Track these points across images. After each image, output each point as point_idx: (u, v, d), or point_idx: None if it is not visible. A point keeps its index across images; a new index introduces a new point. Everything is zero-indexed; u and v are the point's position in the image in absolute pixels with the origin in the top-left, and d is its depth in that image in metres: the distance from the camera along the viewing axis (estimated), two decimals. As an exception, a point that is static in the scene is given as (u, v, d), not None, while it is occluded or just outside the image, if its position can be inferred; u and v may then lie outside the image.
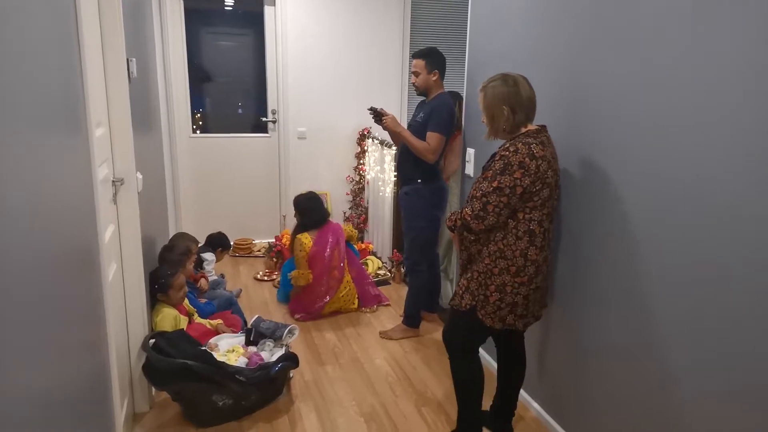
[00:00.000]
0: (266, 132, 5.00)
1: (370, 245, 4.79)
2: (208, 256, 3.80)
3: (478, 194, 2.03)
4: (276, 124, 4.96)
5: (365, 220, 5.12)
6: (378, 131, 4.79)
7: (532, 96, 2.08)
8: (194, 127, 4.83)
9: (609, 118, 2.05)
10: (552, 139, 2.15)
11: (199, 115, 4.88)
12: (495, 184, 1.98)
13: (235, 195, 4.98)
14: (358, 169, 5.13)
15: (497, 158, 2.02)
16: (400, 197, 3.29)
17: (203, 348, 2.56)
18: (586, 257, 2.23)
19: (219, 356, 2.55)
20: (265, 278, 4.30)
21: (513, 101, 2.04)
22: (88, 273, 1.61)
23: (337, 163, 5.13)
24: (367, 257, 4.48)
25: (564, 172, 2.29)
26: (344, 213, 5.19)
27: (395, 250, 4.26)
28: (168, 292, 2.84)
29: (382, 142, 4.52)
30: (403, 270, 4.29)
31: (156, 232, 3.34)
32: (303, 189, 5.03)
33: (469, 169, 3.13)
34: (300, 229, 3.71)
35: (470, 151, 3.12)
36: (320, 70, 4.91)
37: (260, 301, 3.89)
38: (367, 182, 5.02)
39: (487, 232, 2.09)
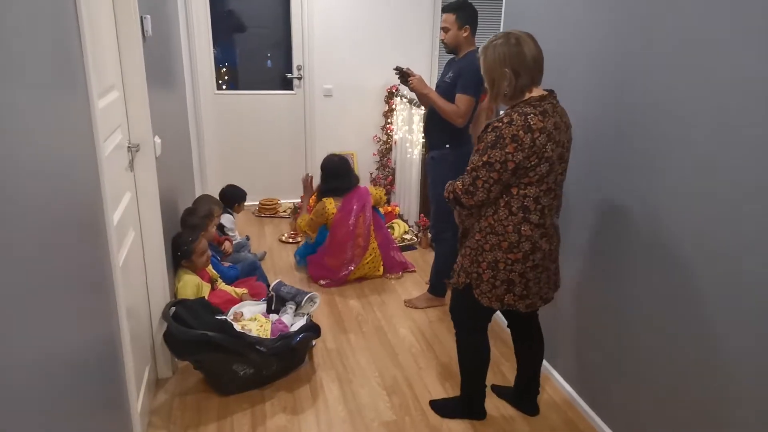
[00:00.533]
0: (291, 89, 4.85)
1: (397, 208, 4.69)
2: (227, 220, 3.74)
3: (468, 168, 1.90)
4: (301, 80, 4.80)
5: (392, 182, 4.99)
6: (407, 90, 4.60)
7: (539, 56, 1.87)
8: (219, 81, 4.71)
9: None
10: (565, 107, 1.96)
11: (224, 70, 4.75)
12: (485, 158, 1.83)
13: (261, 154, 4.89)
14: (386, 129, 4.97)
15: (489, 130, 1.86)
16: (427, 162, 3.14)
17: (224, 317, 2.53)
18: (613, 224, 2.08)
19: (241, 325, 2.52)
20: (290, 240, 4.25)
21: (515, 62, 1.84)
22: (93, 243, 1.54)
23: (364, 122, 4.98)
24: (393, 221, 4.38)
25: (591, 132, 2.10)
26: (371, 174, 5.06)
27: (422, 215, 4.14)
28: (191, 258, 2.81)
29: (410, 101, 4.33)
30: (429, 235, 4.18)
31: (179, 196, 3.29)
32: (329, 149, 4.93)
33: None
34: (326, 192, 3.61)
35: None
36: (348, 24, 4.69)
37: (284, 264, 3.86)
38: (395, 143, 4.87)
39: (478, 207, 1.97)
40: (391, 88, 4.84)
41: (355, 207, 3.55)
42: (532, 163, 1.81)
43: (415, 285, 3.59)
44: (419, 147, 4.18)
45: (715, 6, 1.63)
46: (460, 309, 2.21)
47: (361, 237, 3.55)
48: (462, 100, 2.87)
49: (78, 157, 1.45)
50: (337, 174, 3.61)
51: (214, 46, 4.58)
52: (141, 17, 2.35)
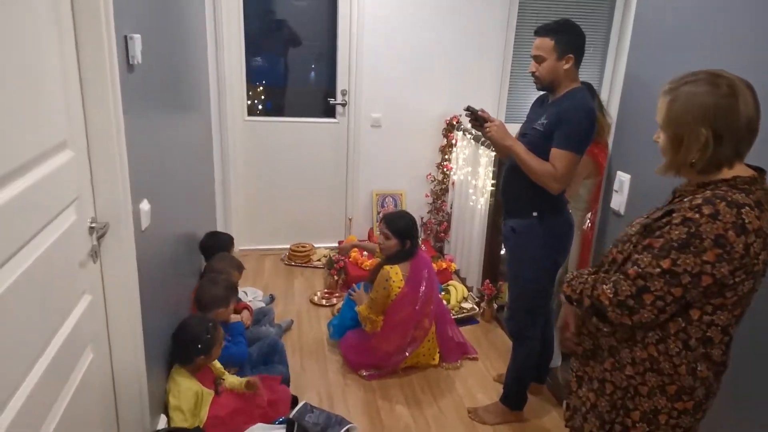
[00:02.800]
0: (334, 117, 4.14)
1: (453, 265, 3.89)
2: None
3: (632, 271, 1.22)
4: (346, 107, 4.09)
5: (446, 229, 4.20)
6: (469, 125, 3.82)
7: (755, 118, 1.20)
8: (250, 103, 4.04)
9: None
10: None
11: (258, 91, 4.08)
12: (666, 265, 1.21)
13: (294, 191, 4.19)
14: (442, 167, 4.19)
15: (677, 220, 1.21)
16: (506, 233, 2.35)
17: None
18: None
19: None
20: (323, 302, 3.51)
21: (722, 122, 1.20)
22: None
23: (417, 157, 4.21)
24: (449, 282, 3.59)
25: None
26: (421, 218, 4.29)
27: (488, 281, 3.33)
28: (211, 352, 2.12)
29: (476, 138, 3.55)
30: (495, 306, 3.37)
31: (185, 264, 2.61)
32: (374, 186, 4.21)
33: (618, 203, 2.14)
34: (393, 259, 2.82)
35: (623, 177, 2.12)
36: (402, 44, 3.94)
37: (314, 338, 3.11)
38: (453, 183, 4.08)
39: (632, 327, 1.27)
40: (451, 119, 4.07)
41: (425, 278, 2.77)
42: (737, 279, 1.19)
43: (478, 381, 2.78)
44: (487, 195, 3.39)
45: None
46: None
47: (427, 318, 2.77)
48: (561, 158, 2.07)
49: None
50: (411, 234, 2.82)
51: (247, 62, 3.92)
52: (126, 37, 1.67)
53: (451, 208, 4.14)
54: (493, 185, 3.31)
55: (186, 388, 2.07)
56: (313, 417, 1.95)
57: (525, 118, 2.37)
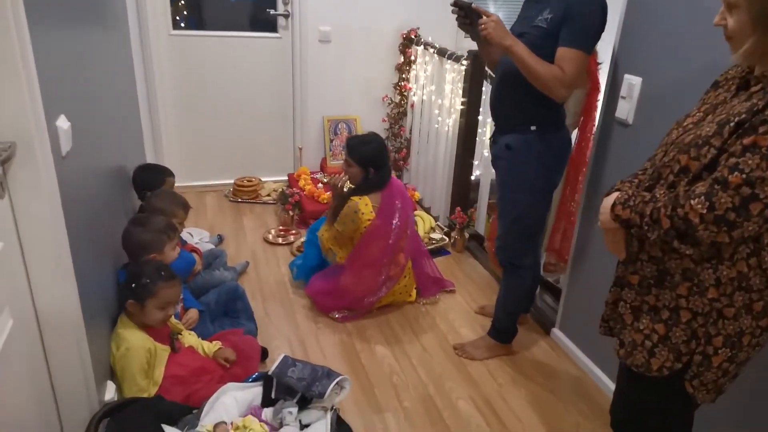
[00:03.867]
0: (276, 31, 3.63)
1: (416, 194, 3.63)
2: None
3: (734, 178, 1.00)
4: (289, 19, 3.58)
5: (406, 156, 3.90)
6: (440, 32, 3.46)
7: None
8: (177, 17, 3.45)
9: None
10: None
11: (182, 2, 3.48)
12: None
13: (235, 119, 3.70)
14: (400, 87, 3.83)
15: None
16: (497, 152, 2.08)
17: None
18: None
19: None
20: (280, 240, 3.17)
21: None
22: None
23: (372, 77, 3.81)
24: (414, 212, 3.34)
25: None
26: (378, 145, 3.94)
27: (458, 209, 3.10)
28: (145, 303, 1.74)
29: (440, 52, 3.20)
30: (466, 235, 3.16)
31: (118, 201, 2.17)
32: (324, 111, 3.79)
33: (626, 111, 1.90)
34: (363, 189, 2.49)
35: (633, 81, 1.88)
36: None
37: (275, 282, 2.78)
38: (412, 105, 3.75)
39: (721, 244, 1.09)
40: (409, 32, 3.67)
41: (398, 209, 2.47)
42: None
43: (460, 315, 2.59)
44: (456, 115, 3.09)
45: None
46: (644, 414, 1.30)
47: (402, 252, 2.50)
48: (570, 58, 1.80)
49: None
50: (379, 162, 2.48)
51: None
52: None
53: (410, 133, 3.83)
54: (462, 103, 3.01)
55: (135, 344, 1.71)
56: (296, 371, 1.66)
57: (516, 19, 2.05)
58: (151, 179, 2.64)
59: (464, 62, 2.93)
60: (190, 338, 2.00)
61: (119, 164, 2.37)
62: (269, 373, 1.64)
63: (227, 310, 2.32)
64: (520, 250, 2.12)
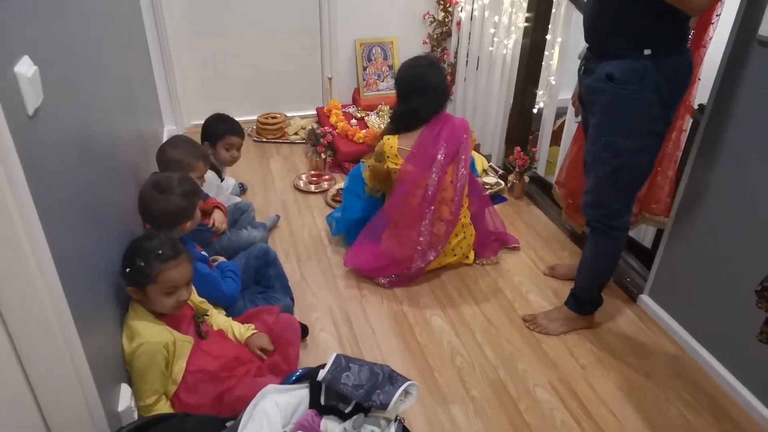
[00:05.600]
0: (297, -63, 3.07)
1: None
2: (208, 180, 2.20)
3: None
4: None
5: (450, 84, 3.41)
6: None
7: None
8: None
9: None
10: None
11: None
12: None
13: (255, 46, 3.22)
14: (444, 2, 3.27)
15: None
16: (594, 84, 1.61)
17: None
18: None
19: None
20: (312, 187, 2.79)
21: None
22: None
23: (411, -9, 3.26)
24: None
25: None
26: (418, 72, 3.43)
27: (518, 149, 2.65)
28: (146, 290, 1.41)
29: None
30: (526, 179, 2.73)
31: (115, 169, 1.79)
32: (359, 34, 3.29)
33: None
34: (396, 125, 2.10)
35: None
36: None
37: (310, 238, 2.43)
38: (458, 24, 3.21)
39: None
40: (456, -66, 3.07)
41: (441, 151, 2.05)
42: None
43: (527, 277, 2.22)
44: (519, 34, 2.58)
45: None
46: None
47: (446, 204, 2.10)
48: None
49: None
50: (418, 87, 2.04)
51: None
52: None
53: (455, 56, 3.31)
54: (527, 20, 2.49)
55: (150, 340, 1.39)
56: (351, 376, 1.33)
57: None
58: (213, 131, 2.33)
59: (532, -32, 2.38)
60: (218, 318, 1.68)
61: (127, 120, 1.98)
62: (319, 378, 1.31)
63: (258, 278, 1.99)
64: (618, 208, 1.71)
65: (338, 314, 2.01)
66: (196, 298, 1.63)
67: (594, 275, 1.85)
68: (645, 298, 2.04)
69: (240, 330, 1.65)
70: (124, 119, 1.97)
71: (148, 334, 1.42)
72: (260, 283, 1.98)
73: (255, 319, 1.72)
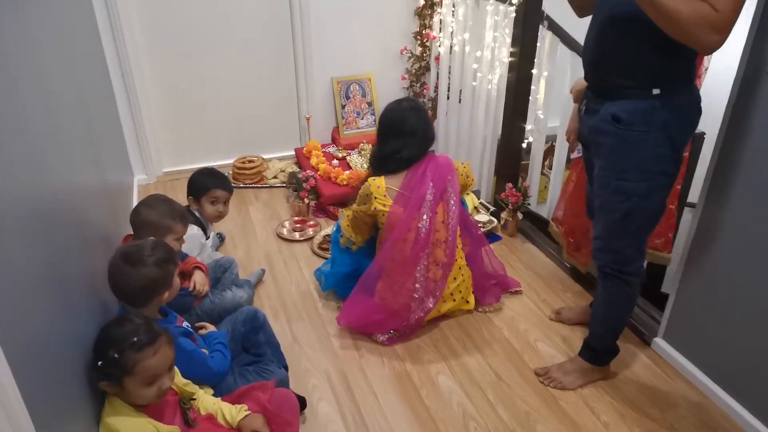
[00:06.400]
0: (268, -25, 2.97)
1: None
2: (190, 234, 2.03)
3: None
4: (284, -40, 2.91)
5: (432, 118, 3.32)
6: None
7: None
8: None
9: None
10: None
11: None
12: None
13: (228, 86, 3.08)
14: (421, 37, 3.20)
15: None
16: (598, 125, 1.52)
17: None
18: None
19: None
20: (297, 234, 2.64)
21: None
22: None
23: (387, 26, 3.18)
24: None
25: None
26: (398, 107, 3.35)
27: (510, 186, 2.56)
28: (123, 383, 1.23)
29: (479, -9, 2.58)
30: (519, 216, 2.63)
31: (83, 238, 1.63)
32: (332, 70, 3.18)
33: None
34: (378, 167, 2.00)
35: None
36: None
37: (298, 293, 2.27)
38: (437, 58, 3.15)
39: None
40: (431, -31, 3.02)
41: (429, 191, 1.94)
42: None
43: (532, 324, 2.09)
44: (503, 69, 2.51)
45: None
46: None
47: (440, 246, 1.97)
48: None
49: None
50: (398, 130, 1.96)
51: None
52: None
53: (435, 91, 3.24)
54: (512, 54, 2.42)
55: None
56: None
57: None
58: (197, 185, 2.18)
59: (514, 2, 2.32)
60: (206, 400, 1.50)
61: (93, 173, 1.81)
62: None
63: (247, 345, 1.81)
64: (631, 253, 1.61)
65: (336, 379, 1.85)
66: (180, 380, 1.45)
67: (609, 324, 1.74)
68: (659, 342, 1.93)
69: (231, 412, 1.48)
70: (90, 172, 1.81)
71: (129, 428, 1.24)
72: (249, 350, 1.81)
73: (247, 397, 1.54)
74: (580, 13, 1.63)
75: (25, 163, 1.11)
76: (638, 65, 1.42)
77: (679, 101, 1.44)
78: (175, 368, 1.40)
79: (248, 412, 1.48)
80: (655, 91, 1.42)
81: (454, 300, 2.07)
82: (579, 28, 1.90)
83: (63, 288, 1.24)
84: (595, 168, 1.59)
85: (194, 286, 1.89)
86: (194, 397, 1.48)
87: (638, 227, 1.57)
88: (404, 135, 1.95)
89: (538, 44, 2.40)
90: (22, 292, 0.98)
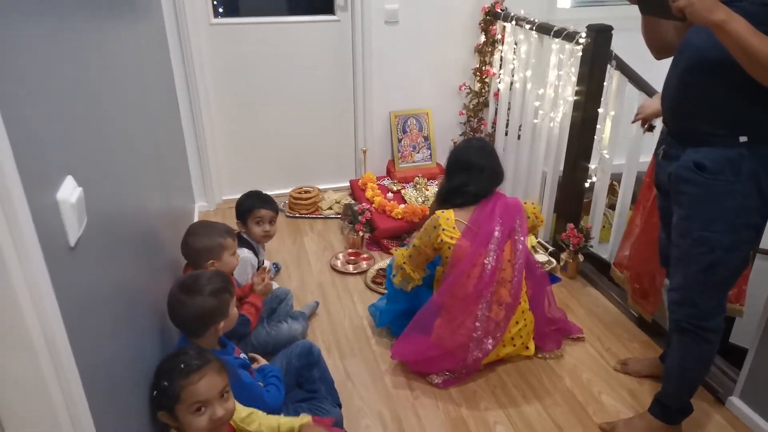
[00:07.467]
0: (333, 12, 3.04)
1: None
2: (241, 258, 2.03)
3: None
4: (349, 0, 2.99)
5: (488, 155, 3.29)
6: (528, 3, 2.84)
7: None
8: (215, 2, 2.90)
9: None
10: None
11: (221, -15, 2.93)
12: None
13: (288, 119, 3.15)
14: (481, 73, 3.20)
15: None
16: (680, 173, 1.45)
17: None
18: None
19: None
20: (350, 267, 2.63)
21: None
22: None
23: (447, 62, 3.19)
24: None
25: None
26: (453, 142, 3.34)
27: (571, 226, 2.49)
28: (175, 412, 1.23)
29: (542, 28, 2.56)
30: (580, 258, 2.54)
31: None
32: (391, 105, 3.21)
33: None
34: (445, 201, 1.98)
35: None
36: None
37: (351, 328, 2.25)
38: (496, 94, 3.13)
39: None
40: (493, 5, 3.02)
41: (497, 228, 1.90)
42: None
43: (596, 374, 1.99)
44: (568, 107, 2.47)
45: None
46: None
47: (505, 286, 1.92)
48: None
49: None
50: (465, 166, 1.95)
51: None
52: None
53: (493, 127, 3.21)
54: (577, 93, 2.38)
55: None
56: None
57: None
58: (242, 208, 2.21)
59: (581, 40, 2.29)
60: (266, 420, 1.48)
61: (160, 200, 1.86)
62: None
63: (301, 380, 1.80)
64: (711, 308, 1.51)
65: (390, 422, 1.80)
66: (238, 416, 1.44)
67: (684, 381, 1.63)
68: (735, 401, 1.80)
69: (291, 423, 1.46)
70: (158, 199, 1.86)
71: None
72: (303, 386, 1.79)
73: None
74: (659, 56, 1.58)
75: (106, 192, 1.15)
76: (725, 111, 1.35)
77: (764, 153, 1.36)
78: (235, 402, 1.39)
79: (310, 418, 1.46)
80: (742, 139, 1.35)
81: (515, 345, 2.00)
82: (649, 67, 1.85)
83: (132, 313, 1.26)
84: (674, 216, 1.51)
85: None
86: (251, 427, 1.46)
87: (720, 281, 1.48)
88: (471, 170, 1.94)
89: (605, 83, 2.34)
90: (98, 316, 1.00)
